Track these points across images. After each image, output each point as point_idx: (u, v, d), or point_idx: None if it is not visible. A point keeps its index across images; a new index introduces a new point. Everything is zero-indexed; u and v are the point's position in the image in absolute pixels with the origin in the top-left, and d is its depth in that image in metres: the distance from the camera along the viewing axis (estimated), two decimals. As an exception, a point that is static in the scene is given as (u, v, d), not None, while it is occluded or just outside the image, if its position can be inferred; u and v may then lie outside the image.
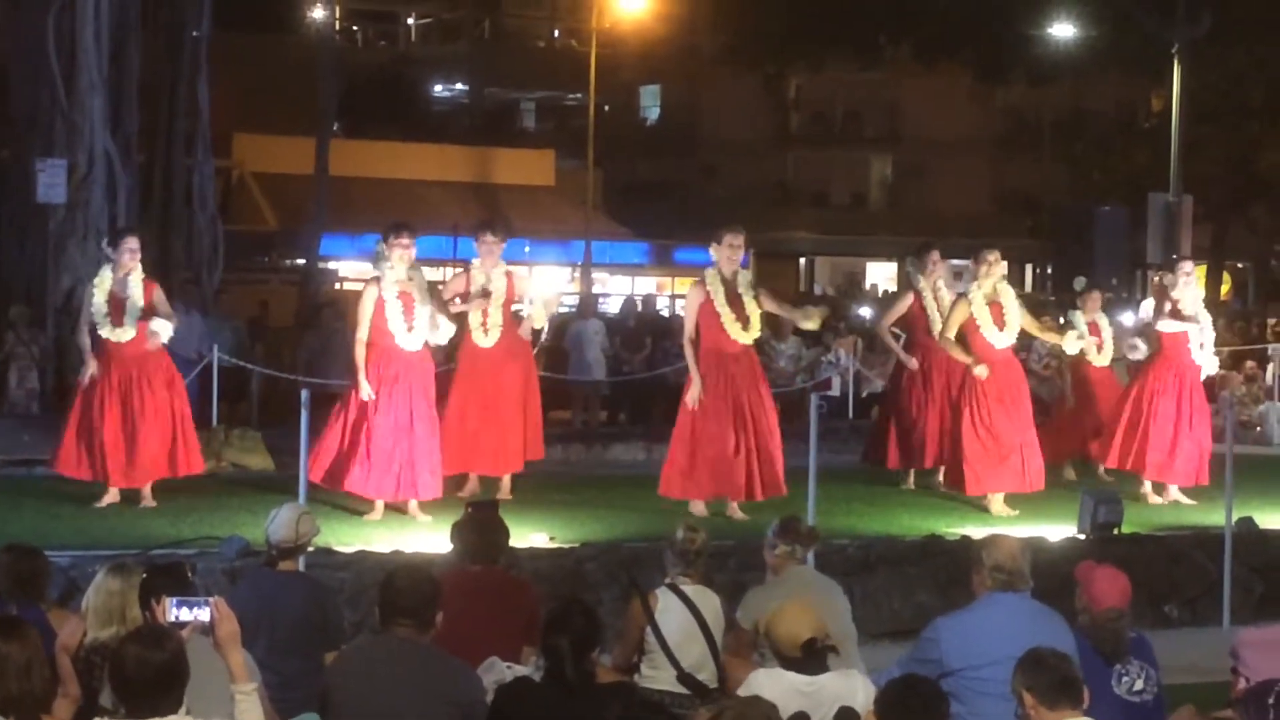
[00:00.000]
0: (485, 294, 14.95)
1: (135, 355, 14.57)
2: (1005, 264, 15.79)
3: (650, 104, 64.48)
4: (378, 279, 14.18)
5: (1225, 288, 45.89)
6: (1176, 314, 16.39)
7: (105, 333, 14.48)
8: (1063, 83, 47.79)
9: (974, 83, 49.09)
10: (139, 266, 14.62)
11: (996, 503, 15.28)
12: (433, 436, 14.22)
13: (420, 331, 14.09)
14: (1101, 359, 18.04)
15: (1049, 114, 56.86)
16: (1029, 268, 58.19)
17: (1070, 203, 39.58)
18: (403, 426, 13.99)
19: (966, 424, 15.24)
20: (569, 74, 53.61)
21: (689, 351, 14.61)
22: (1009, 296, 15.38)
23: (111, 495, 14.61)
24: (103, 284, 14.56)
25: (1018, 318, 15.32)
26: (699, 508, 14.46)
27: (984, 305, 15.21)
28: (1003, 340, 15.24)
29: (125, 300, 14.49)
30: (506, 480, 15.24)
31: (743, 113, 58.01)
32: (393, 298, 14.02)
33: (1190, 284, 16.63)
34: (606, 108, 53.10)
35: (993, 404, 15.12)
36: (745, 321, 14.43)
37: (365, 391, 13.97)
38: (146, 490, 14.72)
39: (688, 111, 61.60)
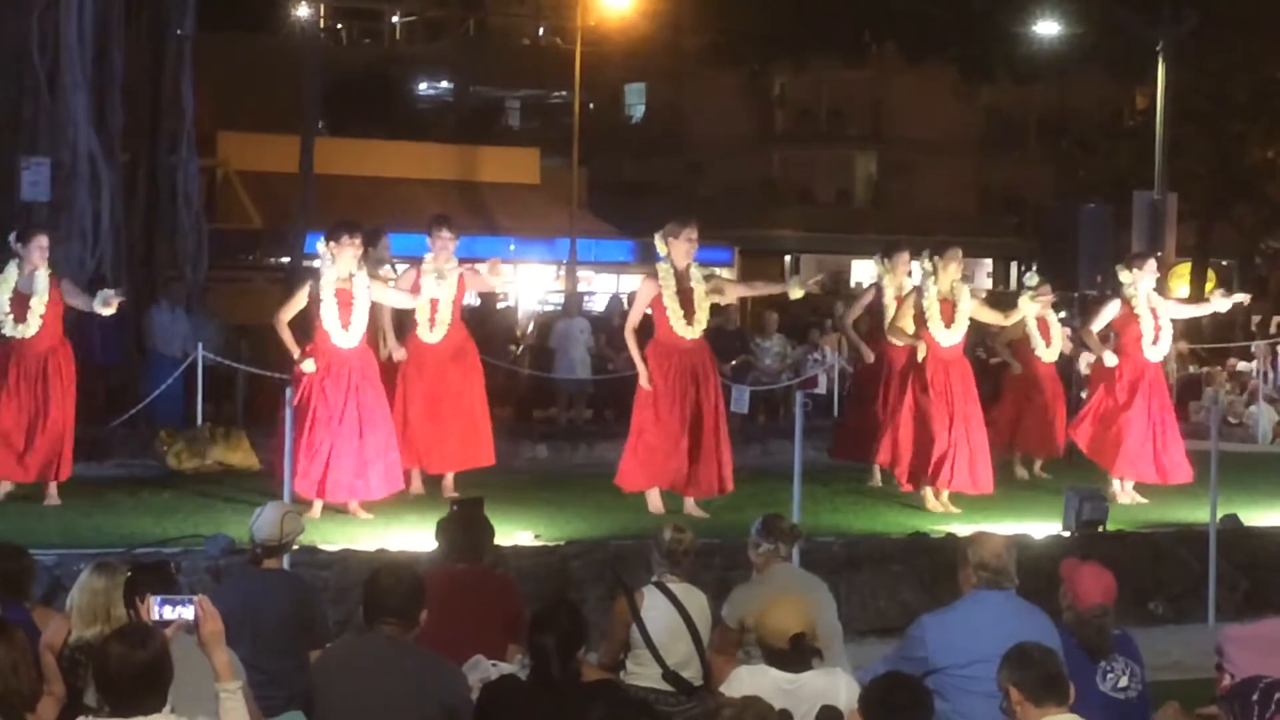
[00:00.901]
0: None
1: (38, 352, 14.63)
2: (962, 262, 15.63)
3: (635, 102, 64.48)
4: (316, 276, 14.17)
5: (1210, 285, 45.82)
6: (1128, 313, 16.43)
7: (8, 330, 14.52)
8: (1047, 81, 47.84)
9: (959, 81, 49.11)
10: (46, 264, 14.67)
11: (929, 499, 15.31)
12: (380, 433, 14.16)
13: (357, 330, 14.08)
14: (1049, 354, 18.13)
15: (1034, 112, 56.92)
16: (1014, 265, 58.27)
17: (1055, 201, 39.64)
18: (336, 423, 13.93)
19: (903, 414, 15.31)
20: (554, 72, 53.54)
21: (631, 340, 14.65)
22: (964, 295, 15.37)
23: (4, 487, 14.68)
24: (7, 281, 14.58)
25: (967, 318, 15.32)
26: (655, 502, 14.49)
27: (935, 302, 15.23)
28: (949, 338, 15.24)
29: (29, 297, 14.55)
30: (449, 478, 15.21)
31: (727, 111, 58.01)
32: (329, 297, 14.02)
33: (1146, 280, 16.52)
34: (591, 106, 53.07)
35: (928, 398, 15.13)
36: (692, 317, 14.45)
37: (308, 365, 13.95)
38: (52, 489, 14.71)
39: (673, 110, 61.61)
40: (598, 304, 34.56)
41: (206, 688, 6.66)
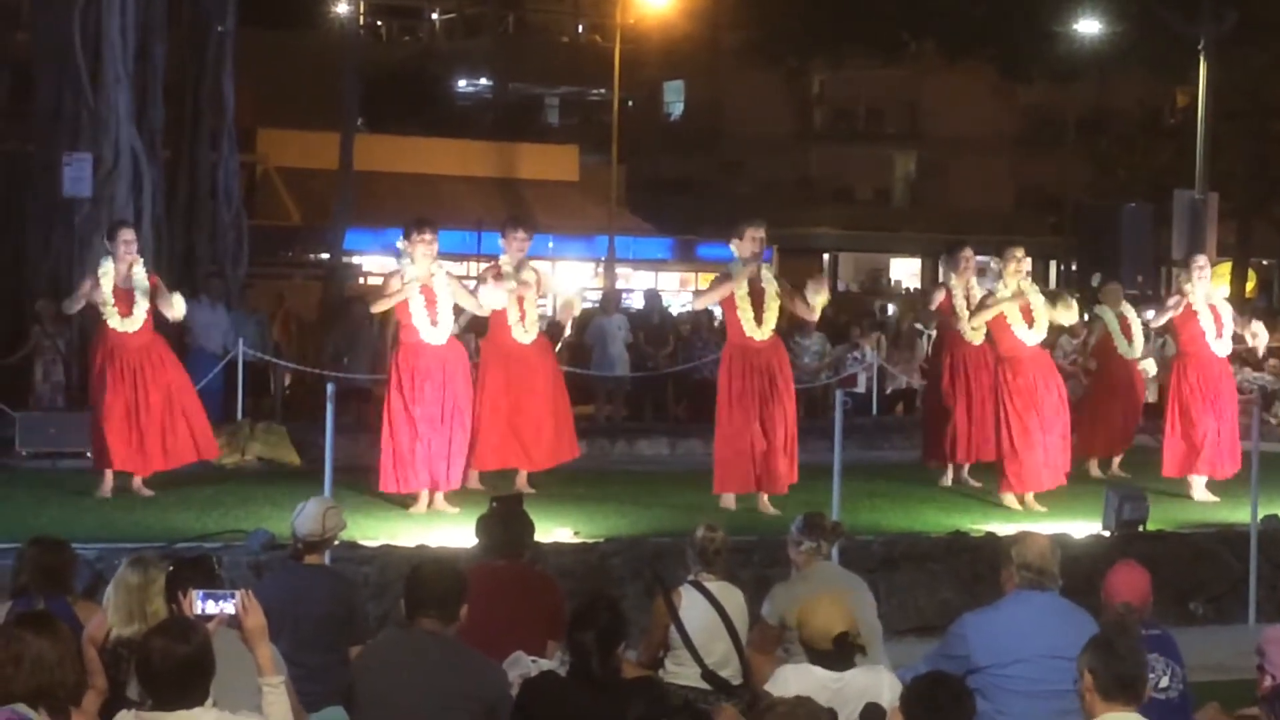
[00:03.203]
0: (520, 281, 15.03)
1: (140, 345, 14.79)
2: (1029, 261, 15.73)
3: (674, 100, 64.46)
4: (399, 274, 14.25)
5: (1250, 285, 45.71)
6: (1187, 311, 16.37)
7: (114, 323, 14.63)
8: (1086, 80, 47.71)
9: (997, 80, 49.02)
10: (139, 259, 14.91)
11: (1028, 499, 15.29)
12: (467, 427, 14.32)
13: (445, 325, 14.16)
14: (1132, 350, 18.07)
15: (1072, 111, 56.69)
16: (1053, 265, 58.13)
17: (1093, 200, 39.49)
18: (437, 420, 14.08)
19: (1007, 423, 15.26)
20: (593, 69, 53.59)
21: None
22: (1035, 294, 15.41)
23: (109, 483, 14.80)
24: (107, 275, 14.72)
25: (1045, 315, 15.35)
26: (729, 501, 14.51)
27: (1013, 303, 15.25)
28: (1033, 337, 15.29)
29: (133, 292, 14.73)
30: (523, 475, 15.28)
31: (766, 108, 57.96)
32: (415, 294, 14.08)
33: (1203, 279, 16.52)
34: (630, 103, 53.08)
35: (1027, 400, 15.13)
36: (761, 317, 14.47)
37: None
38: (138, 481, 14.87)
39: (711, 107, 61.56)
40: (636, 301, 34.54)
41: (248, 682, 6.69)
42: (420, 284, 14.09)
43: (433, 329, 14.13)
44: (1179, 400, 16.46)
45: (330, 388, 12.77)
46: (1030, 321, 15.27)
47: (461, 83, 62.36)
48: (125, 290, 14.71)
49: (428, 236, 14.21)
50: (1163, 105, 49.19)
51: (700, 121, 61.74)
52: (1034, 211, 57.33)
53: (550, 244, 44.55)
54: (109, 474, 14.81)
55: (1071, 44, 41.62)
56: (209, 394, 19.88)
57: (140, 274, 14.79)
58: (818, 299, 14.77)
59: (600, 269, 45.53)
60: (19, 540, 9.60)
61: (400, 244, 14.49)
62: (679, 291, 44.57)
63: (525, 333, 15.11)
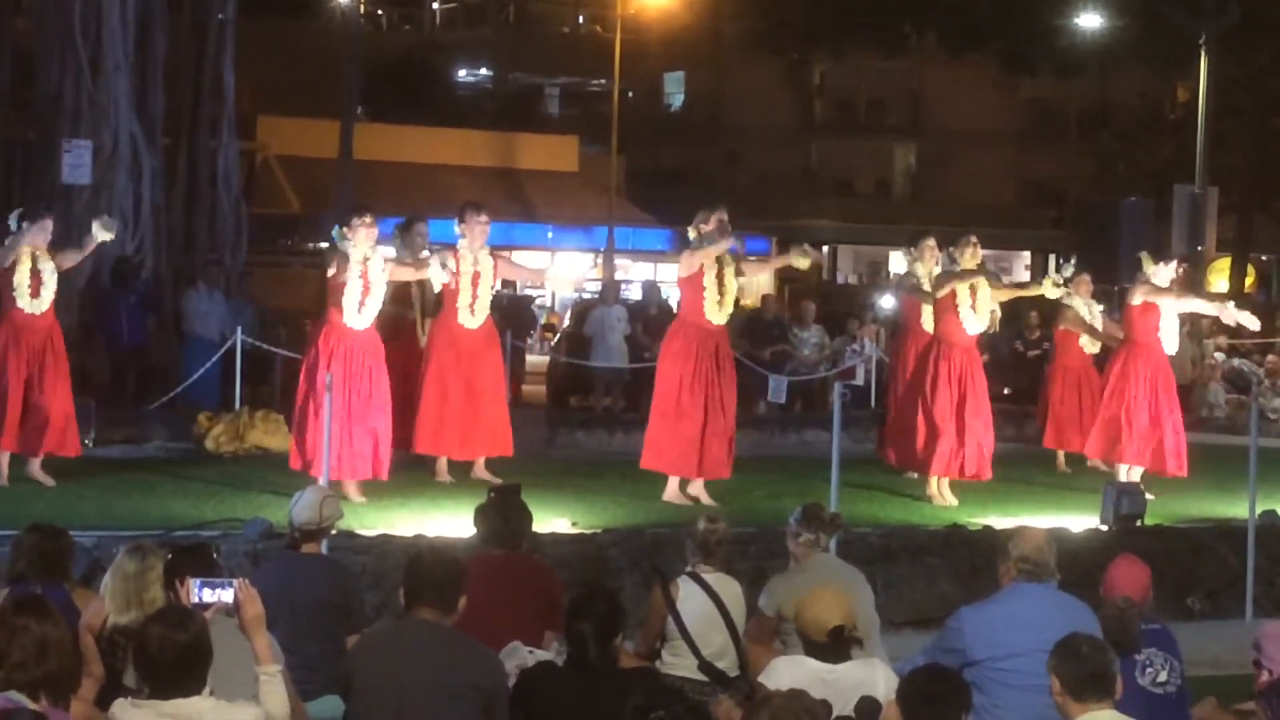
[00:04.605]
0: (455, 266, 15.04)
1: (45, 327, 14.69)
2: (978, 249, 15.65)
3: (674, 91, 64.42)
4: (343, 256, 14.25)
5: (1250, 280, 45.69)
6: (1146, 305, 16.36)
7: (24, 304, 14.54)
8: (1088, 74, 47.68)
9: (999, 73, 49.03)
10: (48, 239, 14.75)
11: (930, 486, 15.34)
12: (379, 416, 14.26)
13: (371, 311, 14.19)
14: (1093, 345, 18.13)
15: (1074, 105, 56.69)
16: (1052, 258, 58.14)
17: (1095, 194, 39.49)
18: (356, 404, 14.06)
19: (904, 402, 15.54)
20: (593, 60, 53.54)
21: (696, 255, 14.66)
22: (983, 284, 15.42)
23: (3, 470, 14.67)
24: (24, 259, 14.59)
25: (989, 306, 15.42)
26: (673, 490, 14.56)
27: (965, 287, 15.27)
28: (974, 325, 15.35)
29: (42, 274, 14.59)
30: (482, 463, 15.26)
31: (766, 100, 57.93)
32: (355, 277, 14.13)
33: (1164, 274, 16.39)
34: (630, 94, 53.03)
35: (942, 386, 15.16)
36: (724, 301, 14.60)
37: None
38: (37, 464, 14.72)
39: (712, 98, 61.53)
40: (635, 292, 34.54)
41: (245, 670, 6.68)
42: (359, 269, 14.16)
43: (358, 314, 14.17)
44: (1117, 386, 16.42)
45: (328, 376, 12.77)
46: (975, 308, 15.32)
47: (462, 72, 62.32)
48: (36, 271, 14.62)
49: (368, 220, 14.34)
50: (1164, 100, 49.13)
51: (700, 113, 61.72)
52: (1035, 205, 57.36)
53: (550, 234, 44.59)
54: (4, 458, 14.72)
55: (1073, 38, 41.64)
56: (206, 382, 19.90)
57: (45, 256, 14.62)
58: (803, 261, 14.82)
59: (599, 259, 45.50)
60: (16, 527, 9.59)
61: (344, 230, 14.44)
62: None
63: (473, 317, 15.13)
